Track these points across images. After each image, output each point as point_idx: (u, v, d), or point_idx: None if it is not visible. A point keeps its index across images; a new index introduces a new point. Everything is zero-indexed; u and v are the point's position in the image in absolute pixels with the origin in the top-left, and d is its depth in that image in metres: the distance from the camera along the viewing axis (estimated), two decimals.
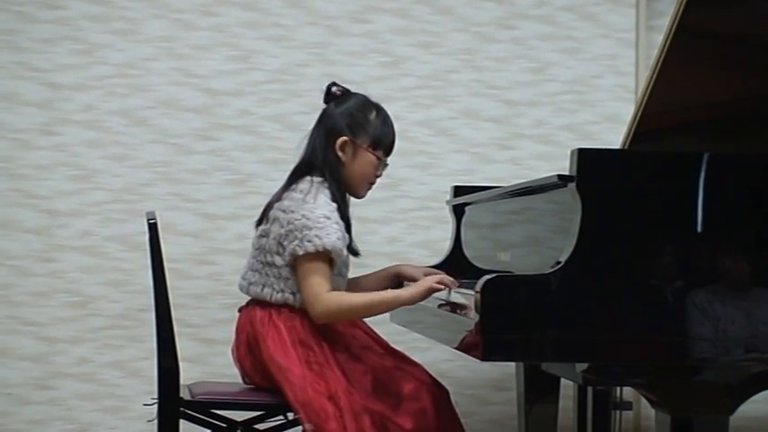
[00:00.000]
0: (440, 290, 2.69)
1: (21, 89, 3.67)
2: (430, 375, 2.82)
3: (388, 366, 2.78)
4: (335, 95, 2.92)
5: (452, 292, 2.66)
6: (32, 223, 3.65)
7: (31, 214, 3.66)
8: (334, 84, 2.94)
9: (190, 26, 3.74)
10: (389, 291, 2.84)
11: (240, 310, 2.94)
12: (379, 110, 2.93)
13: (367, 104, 2.92)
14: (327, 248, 2.72)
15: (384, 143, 2.91)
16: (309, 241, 2.72)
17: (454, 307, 2.52)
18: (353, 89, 2.99)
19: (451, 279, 2.72)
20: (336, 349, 2.76)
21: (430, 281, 2.70)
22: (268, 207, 2.88)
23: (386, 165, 2.94)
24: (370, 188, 2.94)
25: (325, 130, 2.89)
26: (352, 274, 2.96)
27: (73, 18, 3.69)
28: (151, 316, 2.82)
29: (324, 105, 2.94)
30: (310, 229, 2.73)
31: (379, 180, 2.94)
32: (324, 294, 2.72)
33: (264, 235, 2.85)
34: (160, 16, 3.72)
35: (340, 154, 2.87)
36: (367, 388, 2.71)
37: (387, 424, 2.67)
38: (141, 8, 3.71)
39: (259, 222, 2.90)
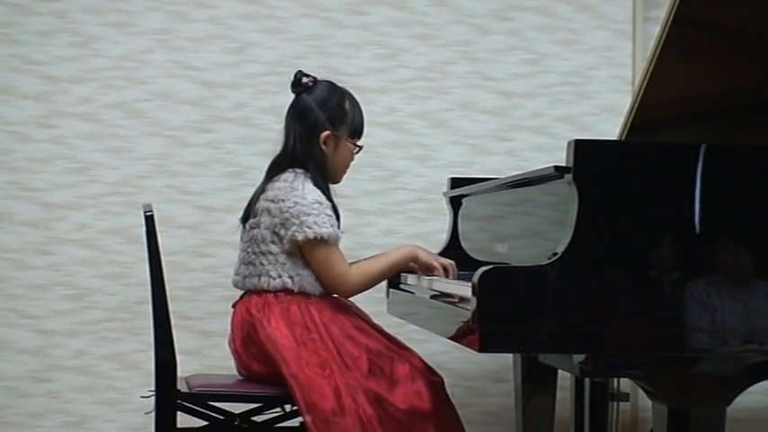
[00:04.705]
0: (437, 274, 2.86)
1: (17, 82, 3.66)
2: (424, 362, 2.84)
3: (383, 349, 2.80)
4: (307, 86, 2.94)
5: (434, 280, 2.79)
6: (29, 216, 3.65)
7: (28, 207, 3.65)
8: (302, 73, 2.96)
9: (186, 18, 3.73)
10: (404, 248, 2.97)
11: (234, 306, 2.95)
12: (350, 97, 2.98)
13: (338, 93, 2.96)
14: (324, 237, 2.78)
15: (360, 131, 2.99)
16: (309, 227, 2.77)
17: (450, 298, 2.52)
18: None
19: (455, 271, 2.90)
20: (332, 330, 2.79)
21: (442, 261, 2.92)
22: (253, 201, 2.92)
23: (360, 148, 2.98)
24: (346, 173, 3.02)
25: (306, 126, 2.92)
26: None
27: (69, 10, 3.68)
28: (148, 308, 2.83)
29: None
30: (307, 214, 2.77)
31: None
32: (348, 273, 2.85)
33: (255, 227, 2.87)
34: (156, 8, 3.72)
35: (324, 148, 2.91)
36: (362, 368, 2.73)
37: (382, 403, 2.69)
38: (137, 0, 3.71)
39: (246, 218, 2.92)
